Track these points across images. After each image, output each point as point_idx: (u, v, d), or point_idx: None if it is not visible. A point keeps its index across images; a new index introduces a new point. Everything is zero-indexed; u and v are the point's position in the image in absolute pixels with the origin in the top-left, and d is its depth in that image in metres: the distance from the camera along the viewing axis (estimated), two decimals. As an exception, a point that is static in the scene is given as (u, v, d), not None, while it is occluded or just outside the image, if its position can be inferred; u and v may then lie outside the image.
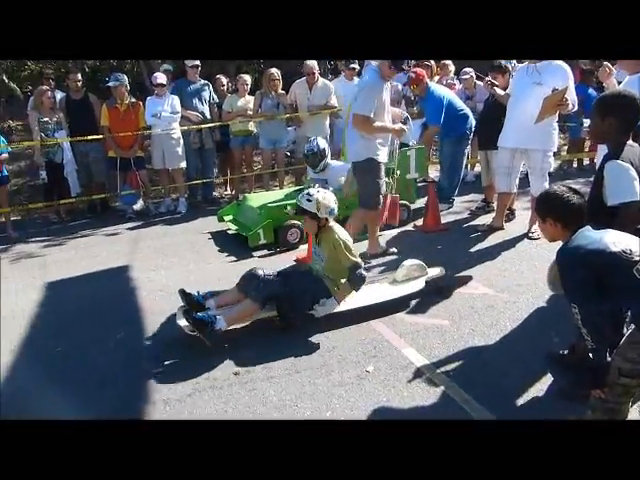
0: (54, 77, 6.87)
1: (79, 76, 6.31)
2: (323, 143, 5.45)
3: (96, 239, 5.63)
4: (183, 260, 4.78)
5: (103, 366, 3.05)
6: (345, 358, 3.05)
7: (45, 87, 6.16)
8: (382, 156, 4.31)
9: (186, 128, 6.38)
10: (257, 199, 5.46)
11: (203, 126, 6.48)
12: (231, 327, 3.19)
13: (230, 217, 5.52)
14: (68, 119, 6.18)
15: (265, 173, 7.01)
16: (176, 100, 6.25)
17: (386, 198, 4.55)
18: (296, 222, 4.88)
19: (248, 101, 6.68)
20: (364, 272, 3.38)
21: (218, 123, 6.63)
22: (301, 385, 2.80)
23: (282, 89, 6.75)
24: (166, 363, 3.05)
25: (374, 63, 4.25)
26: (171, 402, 2.68)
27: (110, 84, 6.14)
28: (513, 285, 3.87)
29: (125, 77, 6.25)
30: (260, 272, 3.34)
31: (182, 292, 3.31)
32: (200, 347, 3.09)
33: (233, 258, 4.76)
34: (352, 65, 7.22)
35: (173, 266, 4.62)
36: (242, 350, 3.15)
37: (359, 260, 3.37)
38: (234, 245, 5.08)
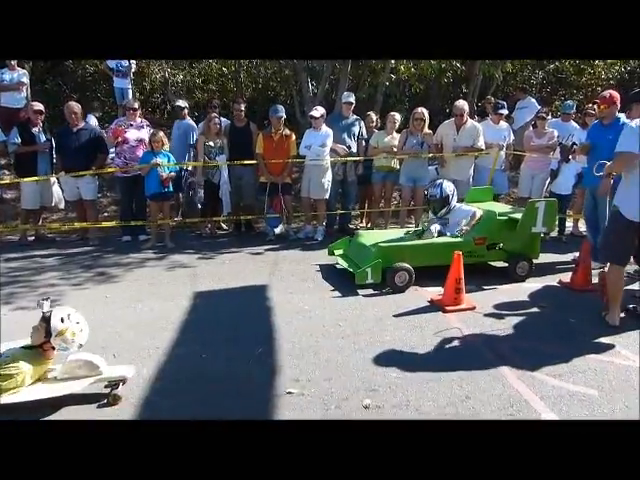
0: (218, 105, 7.57)
1: (242, 106, 6.89)
2: (449, 189, 5.31)
3: (240, 256, 6.03)
4: (321, 287, 4.94)
5: (240, 377, 3.22)
6: (478, 412, 2.89)
7: (214, 114, 6.81)
8: None
9: (332, 160, 6.65)
10: (369, 237, 5.38)
11: (349, 159, 6.71)
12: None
13: (340, 252, 5.52)
14: (229, 144, 6.76)
15: (402, 209, 7.03)
16: (329, 134, 6.55)
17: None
18: (405, 265, 4.78)
19: (395, 138, 6.80)
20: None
21: (363, 157, 6.82)
22: (431, 432, 2.70)
23: (429, 129, 6.78)
24: (300, 382, 3.15)
25: None
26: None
27: (270, 115, 6.64)
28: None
29: (283, 109, 6.72)
30: None
31: None
32: (333, 370, 3.16)
33: (338, 294, 4.74)
34: (500, 110, 7.08)
35: (311, 292, 4.78)
36: (372, 382, 3.16)
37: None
38: (340, 280, 5.06)
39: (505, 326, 4.06)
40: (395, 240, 5.17)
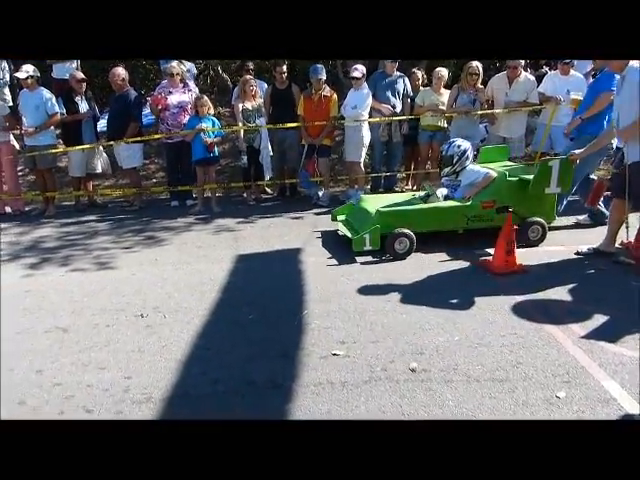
0: (254, 68, 7.46)
1: (284, 68, 6.72)
2: (458, 148, 4.92)
3: (283, 220, 6.01)
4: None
5: (284, 336, 3.24)
6: (531, 377, 2.79)
7: (249, 77, 6.68)
8: None
9: (377, 120, 6.46)
10: (372, 201, 5.07)
11: (394, 118, 6.49)
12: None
13: (343, 217, 5.31)
14: (272, 107, 6.66)
15: (450, 170, 6.77)
16: (364, 95, 6.33)
17: None
18: (406, 231, 4.55)
19: (442, 95, 6.51)
20: None
21: (408, 116, 6.59)
22: (480, 396, 2.63)
23: (481, 84, 6.45)
24: (346, 344, 3.13)
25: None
26: (348, 385, 2.72)
27: (310, 75, 6.48)
28: None
29: (323, 69, 6.52)
30: None
31: None
32: (379, 332, 3.15)
33: (334, 262, 4.57)
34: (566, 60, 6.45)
35: (357, 255, 4.71)
36: (419, 345, 3.10)
37: None
38: (340, 247, 4.89)
39: (561, 289, 3.88)
40: (397, 205, 4.92)
